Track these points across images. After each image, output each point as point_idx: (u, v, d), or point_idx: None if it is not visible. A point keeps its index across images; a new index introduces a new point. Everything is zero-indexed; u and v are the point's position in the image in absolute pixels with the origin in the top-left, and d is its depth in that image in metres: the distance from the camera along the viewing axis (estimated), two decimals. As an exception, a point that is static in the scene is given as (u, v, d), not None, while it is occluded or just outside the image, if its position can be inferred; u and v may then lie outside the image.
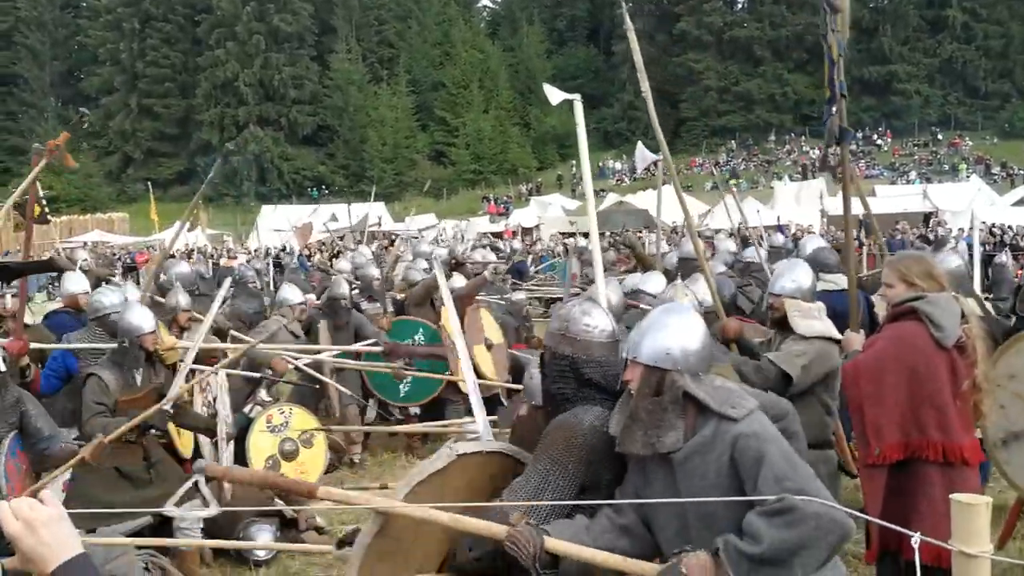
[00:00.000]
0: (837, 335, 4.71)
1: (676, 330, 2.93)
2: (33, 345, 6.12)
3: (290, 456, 6.80)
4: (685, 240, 10.83)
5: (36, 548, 1.61)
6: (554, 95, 4.55)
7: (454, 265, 11.01)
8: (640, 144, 9.59)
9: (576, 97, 4.33)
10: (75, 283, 7.78)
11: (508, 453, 3.38)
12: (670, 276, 7.60)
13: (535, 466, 3.06)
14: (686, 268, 8.07)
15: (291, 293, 8.73)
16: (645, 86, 5.08)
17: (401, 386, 8.44)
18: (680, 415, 2.83)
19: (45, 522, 1.62)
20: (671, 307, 3.21)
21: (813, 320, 4.74)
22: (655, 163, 9.97)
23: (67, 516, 1.68)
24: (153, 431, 5.52)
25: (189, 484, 5.48)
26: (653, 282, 7.03)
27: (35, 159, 5.90)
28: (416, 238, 21.09)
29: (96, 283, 10.98)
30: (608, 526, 2.95)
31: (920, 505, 3.70)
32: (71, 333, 6.66)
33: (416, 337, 8.55)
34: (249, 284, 10.97)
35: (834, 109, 4.73)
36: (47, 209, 11.04)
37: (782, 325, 4.84)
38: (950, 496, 2.29)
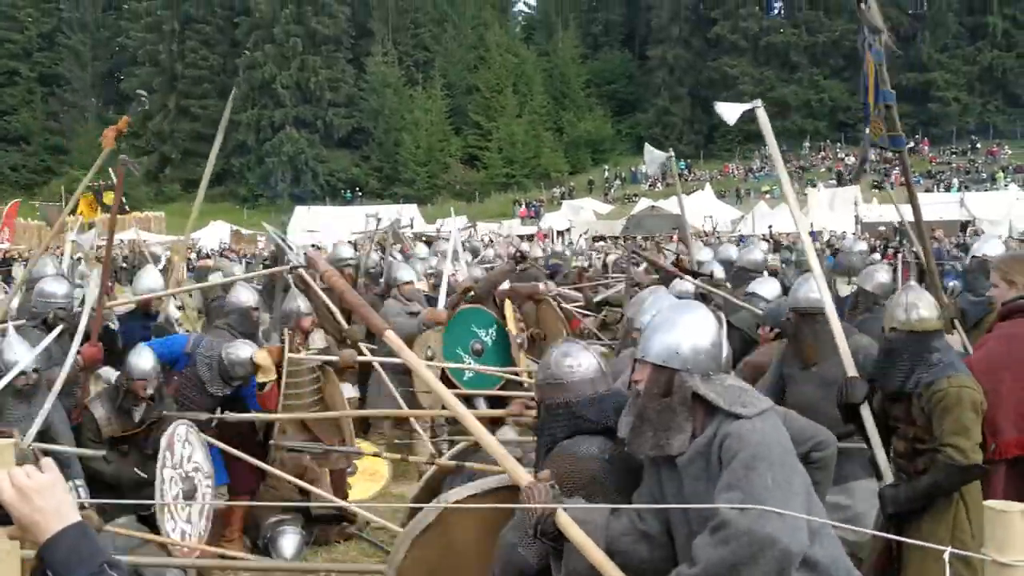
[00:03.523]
0: None
1: (686, 328, 2.81)
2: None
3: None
4: (745, 249, 10.32)
5: (30, 516, 1.55)
6: (730, 112, 4.41)
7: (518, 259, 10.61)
8: (647, 146, 9.34)
9: (757, 103, 4.27)
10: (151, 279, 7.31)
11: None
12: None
13: None
14: (739, 279, 7.95)
15: (403, 272, 8.26)
16: None
17: (465, 375, 7.96)
18: (689, 417, 2.72)
19: (39, 490, 1.56)
20: (681, 304, 3.06)
21: None
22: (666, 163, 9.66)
23: (64, 482, 1.61)
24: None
25: None
26: (768, 287, 6.78)
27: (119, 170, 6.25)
28: (446, 239, 20.85)
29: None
30: (629, 527, 2.81)
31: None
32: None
33: (489, 331, 8.14)
34: (371, 268, 10.24)
35: (868, 130, 4.78)
36: (125, 202, 11.55)
37: None
38: (983, 503, 2.26)
